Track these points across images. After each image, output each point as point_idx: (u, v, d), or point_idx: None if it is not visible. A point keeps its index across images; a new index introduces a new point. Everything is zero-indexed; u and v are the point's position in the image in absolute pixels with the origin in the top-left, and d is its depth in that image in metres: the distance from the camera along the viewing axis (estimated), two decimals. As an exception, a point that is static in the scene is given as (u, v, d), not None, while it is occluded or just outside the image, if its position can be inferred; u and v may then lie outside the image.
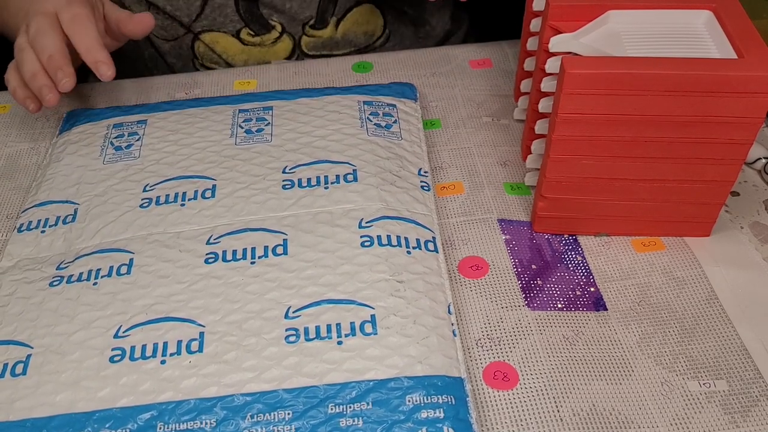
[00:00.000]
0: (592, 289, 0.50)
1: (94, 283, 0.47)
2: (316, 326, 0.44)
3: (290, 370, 0.42)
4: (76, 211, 0.53)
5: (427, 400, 0.41)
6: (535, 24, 0.55)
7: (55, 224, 0.52)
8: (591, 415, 0.43)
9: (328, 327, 0.44)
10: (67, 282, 0.48)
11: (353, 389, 0.41)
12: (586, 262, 0.51)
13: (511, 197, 0.56)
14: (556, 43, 0.49)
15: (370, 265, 0.47)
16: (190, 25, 0.74)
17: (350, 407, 0.40)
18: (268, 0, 0.73)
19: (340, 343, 0.43)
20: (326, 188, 0.52)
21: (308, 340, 0.43)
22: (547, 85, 0.50)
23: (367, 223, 0.49)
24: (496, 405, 0.43)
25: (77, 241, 0.51)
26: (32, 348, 0.44)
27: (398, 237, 0.49)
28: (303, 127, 0.57)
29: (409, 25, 0.80)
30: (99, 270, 0.48)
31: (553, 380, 0.44)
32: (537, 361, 0.45)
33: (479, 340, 0.47)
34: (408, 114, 0.60)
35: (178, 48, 0.76)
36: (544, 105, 0.51)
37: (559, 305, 0.49)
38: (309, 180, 0.53)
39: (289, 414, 0.40)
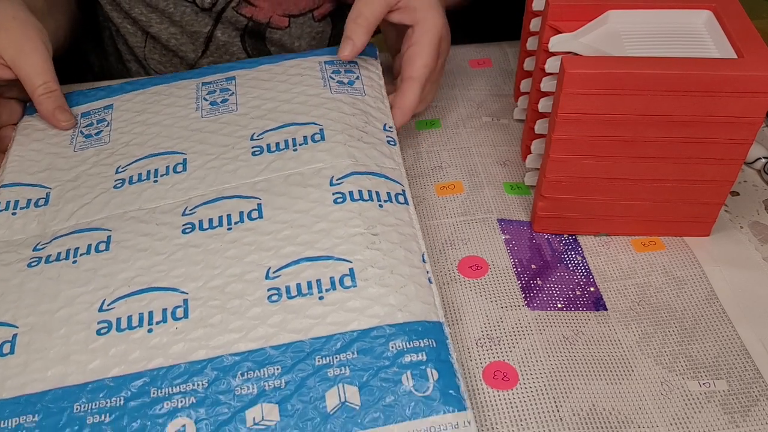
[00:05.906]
0: (592, 289, 0.50)
1: (74, 261, 0.47)
2: (297, 284, 0.44)
3: (276, 328, 0.43)
4: (48, 195, 0.53)
5: (410, 345, 0.41)
6: (535, 24, 0.55)
7: (27, 206, 0.52)
8: (591, 414, 0.43)
9: (309, 284, 0.44)
10: (45, 262, 0.48)
11: (338, 341, 0.42)
12: (585, 261, 0.51)
13: (511, 197, 0.56)
14: (556, 42, 0.49)
15: (345, 220, 0.47)
16: (194, 63, 0.74)
17: (336, 357, 0.41)
18: (276, 38, 0.72)
19: (321, 298, 0.44)
20: (295, 150, 0.52)
21: (290, 297, 0.44)
22: (547, 84, 0.50)
23: (338, 180, 0.50)
24: (496, 405, 0.43)
25: (52, 224, 0.51)
26: (17, 327, 0.44)
27: (369, 191, 0.49)
28: (267, 93, 0.58)
29: None
30: (77, 249, 0.48)
31: (552, 380, 0.44)
32: (537, 361, 0.45)
33: (479, 339, 0.47)
34: (369, 71, 0.60)
35: None
36: (544, 105, 0.51)
37: (559, 305, 0.49)
38: (277, 144, 0.53)
39: (278, 369, 0.41)
